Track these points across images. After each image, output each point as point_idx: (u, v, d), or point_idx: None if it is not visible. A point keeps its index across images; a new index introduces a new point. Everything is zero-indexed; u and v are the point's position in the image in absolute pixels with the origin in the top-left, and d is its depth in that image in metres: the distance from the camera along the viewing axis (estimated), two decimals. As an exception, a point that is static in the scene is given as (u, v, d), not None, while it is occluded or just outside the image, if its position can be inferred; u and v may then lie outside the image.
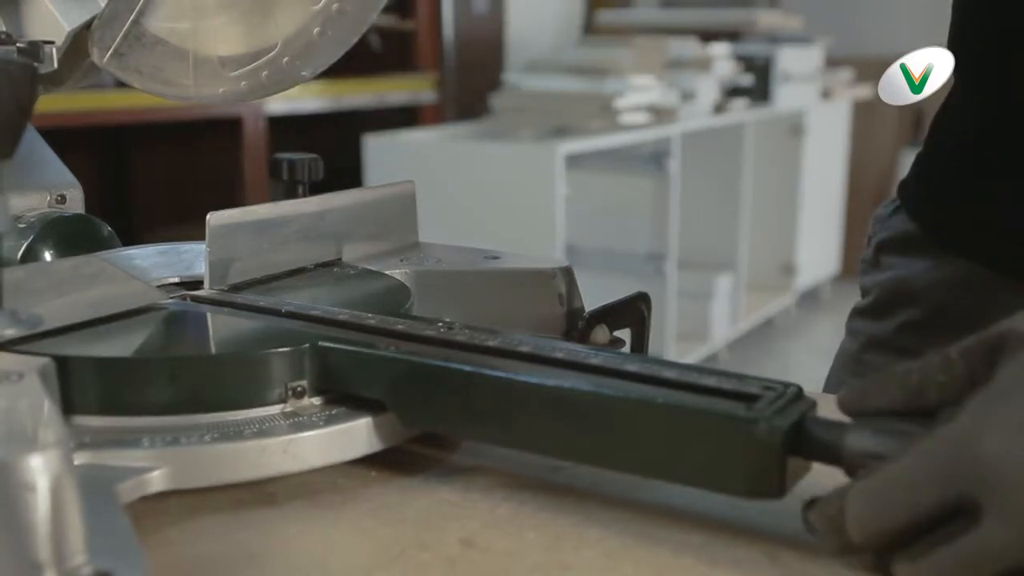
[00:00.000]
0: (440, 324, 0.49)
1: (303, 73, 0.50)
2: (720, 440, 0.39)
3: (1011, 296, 0.64)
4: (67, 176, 0.63)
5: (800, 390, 0.41)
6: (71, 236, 0.58)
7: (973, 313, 0.66)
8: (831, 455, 0.39)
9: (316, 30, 0.49)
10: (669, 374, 0.43)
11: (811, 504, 0.39)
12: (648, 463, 0.42)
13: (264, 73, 0.49)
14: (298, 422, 0.45)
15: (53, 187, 0.62)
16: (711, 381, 0.42)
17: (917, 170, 0.75)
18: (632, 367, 0.44)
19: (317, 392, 0.47)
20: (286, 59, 0.49)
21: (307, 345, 0.47)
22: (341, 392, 0.47)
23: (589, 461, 0.44)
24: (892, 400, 0.40)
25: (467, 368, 0.44)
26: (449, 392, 0.45)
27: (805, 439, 0.39)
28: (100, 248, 0.59)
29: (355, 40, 0.50)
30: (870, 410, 0.40)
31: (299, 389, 0.46)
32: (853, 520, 0.37)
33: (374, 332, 0.49)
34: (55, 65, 0.49)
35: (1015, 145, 0.65)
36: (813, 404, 0.41)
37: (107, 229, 0.61)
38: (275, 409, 0.46)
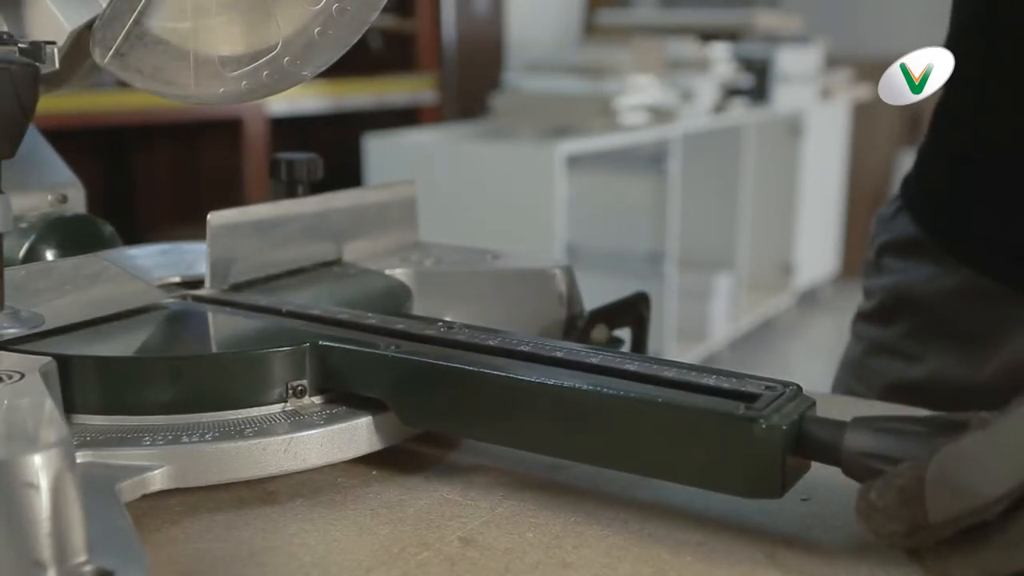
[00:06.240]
0: (440, 324, 0.49)
1: (304, 73, 0.50)
2: (719, 439, 0.39)
3: (1019, 309, 0.63)
4: (69, 175, 0.63)
5: (799, 388, 0.41)
6: (73, 236, 0.58)
7: (979, 324, 0.65)
8: (829, 454, 0.39)
9: (317, 30, 0.49)
10: (668, 373, 0.42)
11: (868, 486, 0.36)
12: (647, 463, 0.41)
13: (265, 73, 0.49)
14: (298, 421, 0.45)
15: (54, 187, 0.61)
16: (710, 380, 0.42)
17: (918, 168, 0.73)
18: (632, 366, 0.43)
19: (318, 391, 0.47)
20: (287, 59, 0.49)
21: (307, 344, 0.47)
22: (341, 391, 0.47)
23: (589, 460, 0.43)
24: None
25: (467, 367, 0.44)
26: (449, 391, 0.45)
27: (804, 438, 0.39)
28: (102, 248, 0.59)
29: (356, 40, 0.50)
30: None
31: (300, 388, 0.46)
32: (941, 489, 0.33)
33: (374, 331, 0.49)
34: (56, 66, 0.48)
35: (1017, 158, 0.64)
36: (812, 403, 0.41)
37: (109, 229, 0.61)
38: (276, 408, 0.46)
